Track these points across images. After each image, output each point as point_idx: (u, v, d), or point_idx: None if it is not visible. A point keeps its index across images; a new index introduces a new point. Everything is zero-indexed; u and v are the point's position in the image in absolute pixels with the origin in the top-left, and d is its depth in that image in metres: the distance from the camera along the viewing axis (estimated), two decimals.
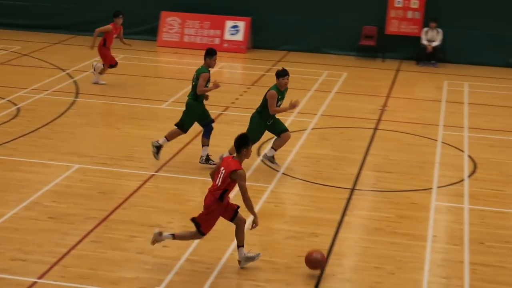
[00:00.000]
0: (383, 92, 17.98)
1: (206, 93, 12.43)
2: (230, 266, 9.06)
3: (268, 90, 12.09)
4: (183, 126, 12.44)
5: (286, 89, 12.22)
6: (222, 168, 8.80)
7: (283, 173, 12.36)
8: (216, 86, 12.32)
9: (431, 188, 11.90)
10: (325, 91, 17.67)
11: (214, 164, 12.00)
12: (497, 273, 9.18)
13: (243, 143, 8.83)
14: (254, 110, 12.33)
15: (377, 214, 10.96)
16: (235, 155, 8.96)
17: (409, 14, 21.31)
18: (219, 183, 8.74)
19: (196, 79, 12.26)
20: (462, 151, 13.54)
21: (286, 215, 10.82)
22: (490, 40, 21.09)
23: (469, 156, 13.39)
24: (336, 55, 21.72)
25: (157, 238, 8.97)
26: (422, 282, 8.88)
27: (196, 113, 12.40)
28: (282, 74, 12.00)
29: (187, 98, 12.51)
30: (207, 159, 12.40)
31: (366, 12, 21.76)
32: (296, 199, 11.49)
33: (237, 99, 16.81)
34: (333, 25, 21.85)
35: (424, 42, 20.97)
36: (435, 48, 20.89)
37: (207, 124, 12.49)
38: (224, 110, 15.82)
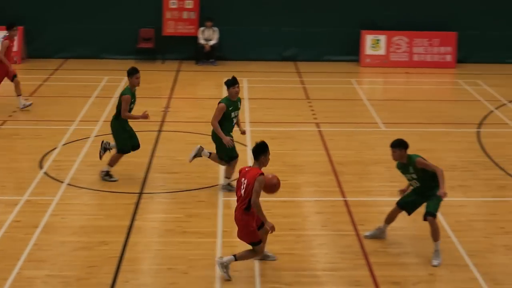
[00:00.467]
0: (164, 94, 18.05)
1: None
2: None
3: (219, 103, 11.42)
4: (122, 149, 12.07)
5: (239, 98, 11.60)
6: (243, 179, 8.81)
7: (68, 184, 12.02)
8: (145, 116, 11.93)
9: (217, 185, 12.10)
10: (107, 97, 17.41)
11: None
12: (286, 260, 9.51)
13: (261, 151, 8.88)
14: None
15: (167, 215, 10.97)
16: (253, 163, 8.98)
17: (185, 15, 21.54)
18: (244, 194, 8.76)
19: (118, 103, 11.89)
20: (246, 145, 13.89)
21: (74, 226, 10.52)
22: (265, 36, 21.81)
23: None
24: (115, 60, 21.46)
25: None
26: (215, 278, 9.00)
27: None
28: (232, 83, 11.34)
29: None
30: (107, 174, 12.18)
31: (143, 14, 21.70)
32: (83, 209, 11.21)
33: (14, 112, 16.14)
34: (110, 30, 21.57)
35: (202, 41, 21.31)
36: (212, 46, 21.29)
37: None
38: (2, 124, 15.17)
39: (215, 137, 11.57)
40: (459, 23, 21.41)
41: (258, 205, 8.74)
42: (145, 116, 11.94)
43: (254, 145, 9.04)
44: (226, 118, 11.45)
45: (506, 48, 21.77)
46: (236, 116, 11.63)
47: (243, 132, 12.02)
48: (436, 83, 19.90)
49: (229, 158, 11.67)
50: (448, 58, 21.39)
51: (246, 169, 8.96)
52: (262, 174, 8.79)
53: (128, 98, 11.77)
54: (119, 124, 12.00)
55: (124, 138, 12.05)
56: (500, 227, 10.74)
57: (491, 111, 16.67)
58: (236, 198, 9.00)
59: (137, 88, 12.07)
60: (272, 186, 9.03)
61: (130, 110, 11.89)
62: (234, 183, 10.76)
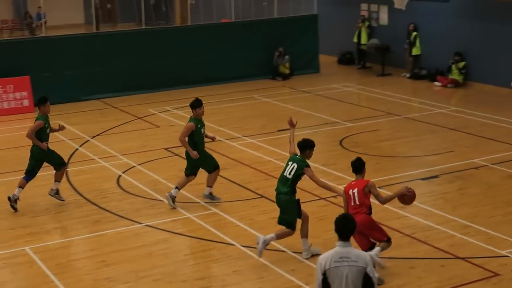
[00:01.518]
0: None
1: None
2: None
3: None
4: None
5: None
6: (350, 190, 10.05)
7: None
8: (61, 128, 13.53)
9: None
10: None
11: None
12: None
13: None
14: None
15: None
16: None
17: None
18: (358, 202, 9.96)
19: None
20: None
21: None
22: None
23: None
24: None
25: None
26: None
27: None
28: (198, 104, 12.75)
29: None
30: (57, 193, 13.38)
31: None
32: None
33: None
34: None
35: None
36: None
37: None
38: None
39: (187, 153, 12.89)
40: (31, 67, 21.51)
41: (387, 199, 10.19)
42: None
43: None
44: (196, 135, 12.77)
45: (79, 86, 22.38)
46: (204, 132, 12.98)
47: (213, 138, 13.45)
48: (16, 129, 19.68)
49: (191, 172, 12.98)
50: (26, 102, 21.28)
51: (353, 182, 10.15)
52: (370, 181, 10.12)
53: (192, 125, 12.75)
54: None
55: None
56: (101, 260, 11.03)
57: (76, 149, 17.00)
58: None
59: None
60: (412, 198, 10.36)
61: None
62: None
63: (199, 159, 12.89)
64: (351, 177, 14.13)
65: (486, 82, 22.50)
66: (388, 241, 10.12)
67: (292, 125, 11.48)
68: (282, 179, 10.79)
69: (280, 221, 10.83)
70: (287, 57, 25.24)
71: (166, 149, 16.83)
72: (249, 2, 30.33)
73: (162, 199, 13.53)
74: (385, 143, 16.90)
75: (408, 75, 24.89)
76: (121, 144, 17.22)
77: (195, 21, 30.62)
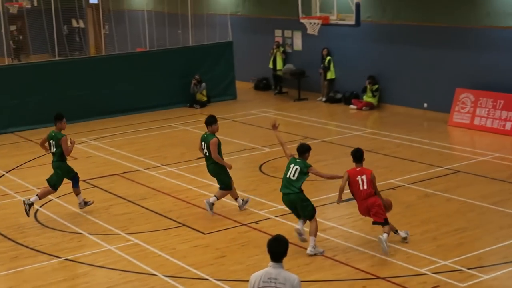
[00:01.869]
0: None
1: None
2: None
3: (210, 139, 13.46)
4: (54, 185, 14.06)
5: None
6: (358, 176, 11.75)
7: None
8: (72, 142, 14.04)
9: None
10: None
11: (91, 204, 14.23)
12: None
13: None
14: None
15: None
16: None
17: None
18: (367, 187, 11.75)
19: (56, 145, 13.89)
20: None
21: None
22: None
23: None
24: None
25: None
26: None
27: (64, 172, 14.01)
28: (215, 120, 13.71)
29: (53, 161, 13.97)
30: (86, 203, 14.30)
31: None
32: None
33: None
34: None
35: None
36: None
37: (73, 177, 14.18)
38: None
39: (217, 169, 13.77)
40: None
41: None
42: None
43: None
44: (219, 150, 13.69)
45: None
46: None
47: None
48: None
49: (230, 183, 13.88)
50: None
51: (358, 169, 11.84)
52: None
53: (217, 139, 13.57)
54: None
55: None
56: None
57: None
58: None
59: None
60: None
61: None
62: None
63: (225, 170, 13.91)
64: (272, 202, 14.26)
65: (400, 104, 23.06)
66: (386, 222, 11.80)
67: (274, 127, 12.76)
68: (287, 181, 12.01)
69: (304, 217, 12.09)
70: (203, 84, 25.31)
71: (84, 181, 16.58)
72: (164, 30, 30.33)
73: (81, 231, 13.30)
74: None
75: (324, 99, 25.29)
76: (38, 177, 16.84)
77: (110, 50, 30.40)
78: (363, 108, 23.53)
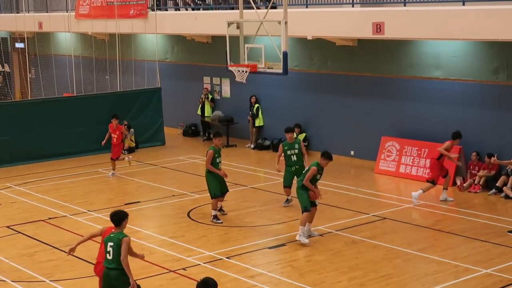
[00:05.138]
0: None
1: None
2: None
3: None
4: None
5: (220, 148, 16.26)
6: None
7: None
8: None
9: None
10: None
11: None
12: None
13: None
14: None
15: None
16: None
17: None
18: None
19: None
20: None
21: None
22: None
23: None
24: None
25: None
26: None
27: None
28: (217, 135, 16.31)
29: None
30: None
31: None
32: None
33: None
34: None
35: None
36: None
37: None
38: None
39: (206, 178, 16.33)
40: None
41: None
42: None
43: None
44: (213, 163, 15.97)
45: None
46: (220, 162, 16.23)
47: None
48: None
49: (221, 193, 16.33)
50: None
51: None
52: None
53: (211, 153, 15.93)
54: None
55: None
56: None
57: None
58: None
59: None
60: None
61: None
62: None
63: (219, 180, 16.19)
64: (200, 248, 14.18)
65: None
66: (433, 182, 16.76)
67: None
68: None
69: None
70: (132, 130, 25.17)
71: (8, 227, 16.16)
72: (92, 76, 30.14)
73: (5, 279, 12.93)
74: (232, 213, 17.06)
75: (252, 146, 25.44)
76: None
77: (36, 95, 29.98)
78: None
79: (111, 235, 10.15)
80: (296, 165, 17.13)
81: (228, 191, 16.67)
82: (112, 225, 10.33)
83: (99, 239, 10.65)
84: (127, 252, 10.03)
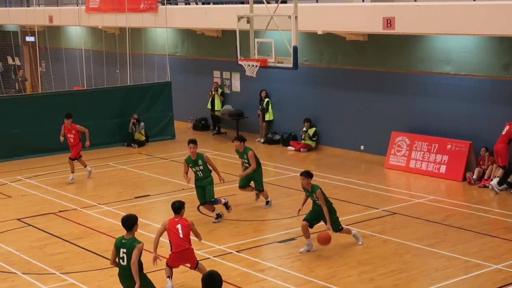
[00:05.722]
0: None
1: None
2: None
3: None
4: None
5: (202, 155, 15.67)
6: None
7: None
8: None
9: None
10: None
11: None
12: None
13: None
14: None
15: None
16: None
17: None
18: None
19: None
20: None
21: None
22: None
23: None
24: None
25: None
26: None
27: None
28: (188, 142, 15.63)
29: None
30: None
31: None
32: None
33: None
34: None
35: None
36: None
37: None
38: None
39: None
40: None
41: None
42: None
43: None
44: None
45: None
46: (198, 171, 15.64)
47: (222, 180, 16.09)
48: None
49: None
50: None
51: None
52: None
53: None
54: None
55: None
56: None
57: None
58: None
59: None
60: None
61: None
62: None
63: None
64: (210, 242, 14.19)
65: (337, 146, 23.34)
66: (504, 168, 17.17)
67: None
68: None
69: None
70: (142, 124, 25.22)
71: (18, 219, 16.25)
72: (102, 69, 30.20)
73: (15, 271, 12.99)
74: (242, 207, 17.08)
75: (262, 140, 25.44)
76: None
77: (46, 88, 30.06)
78: (301, 149, 23.75)
79: (123, 241, 10.17)
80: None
81: (201, 204, 16.33)
82: (173, 216, 11.42)
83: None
84: (137, 257, 10.04)
